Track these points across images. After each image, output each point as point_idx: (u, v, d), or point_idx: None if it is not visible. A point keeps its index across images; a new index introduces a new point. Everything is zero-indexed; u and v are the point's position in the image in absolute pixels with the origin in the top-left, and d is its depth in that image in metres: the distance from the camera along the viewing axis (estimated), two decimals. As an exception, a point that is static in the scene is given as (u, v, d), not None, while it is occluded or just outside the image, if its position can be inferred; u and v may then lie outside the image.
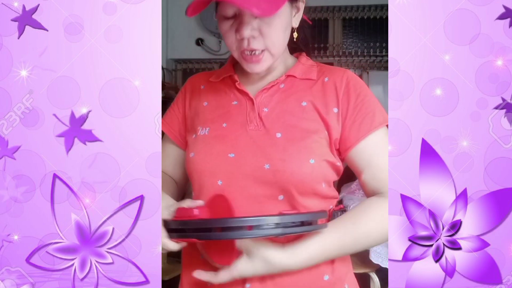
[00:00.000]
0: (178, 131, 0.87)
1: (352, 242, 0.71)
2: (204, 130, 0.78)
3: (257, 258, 0.66)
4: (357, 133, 0.74)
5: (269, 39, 0.71)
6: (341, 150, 0.77)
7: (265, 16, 0.68)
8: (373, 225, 0.71)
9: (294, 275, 0.71)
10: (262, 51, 0.72)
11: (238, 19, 0.71)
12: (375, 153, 0.74)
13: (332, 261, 0.76)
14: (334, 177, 0.78)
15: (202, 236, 0.62)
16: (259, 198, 0.71)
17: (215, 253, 0.69)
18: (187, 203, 0.68)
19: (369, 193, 0.77)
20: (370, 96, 0.77)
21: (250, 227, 0.59)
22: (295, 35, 0.79)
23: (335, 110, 0.75)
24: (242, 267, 0.66)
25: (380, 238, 0.72)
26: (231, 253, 0.66)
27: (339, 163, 0.77)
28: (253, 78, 0.82)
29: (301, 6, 0.77)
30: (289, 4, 0.73)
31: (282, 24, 0.72)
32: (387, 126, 0.74)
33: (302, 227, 0.62)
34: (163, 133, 0.86)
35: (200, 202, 0.68)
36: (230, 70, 0.84)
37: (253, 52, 0.72)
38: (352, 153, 0.75)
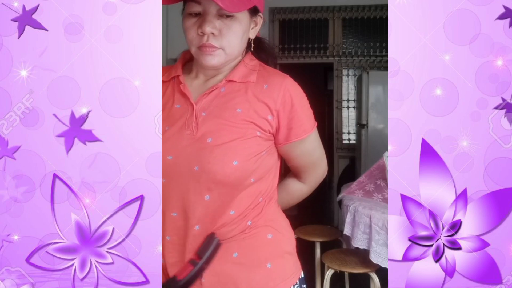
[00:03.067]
0: None
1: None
2: None
3: None
4: (287, 137, 0.84)
5: (226, 39, 0.78)
6: (275, 143, 0.86)
7: (228, 11, 0.75)
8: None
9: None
10: (218, 49, 0.79)
11: (202, 17, 0.78)
12: (302, 153, 0.88)
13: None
14: (270, 168, 0.85)
15: None
16: (191, 195, 0.79)
17: None
18: None
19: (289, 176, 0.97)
20: (302, 104, 0.85)
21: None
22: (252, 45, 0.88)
23: (270, 117, 0.81)
24: None
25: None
26: None
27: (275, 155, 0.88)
28: (198, 81, 0.86)
29: (259, 21, 0.86)
30: (248, 16, 0.81)
31: (240, 31, 0.80)
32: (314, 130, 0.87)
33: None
34: None
35: None
36: (179, 70, 0.87)
37: (212, 49, 0.79)
38: (281, 148, 0.86)
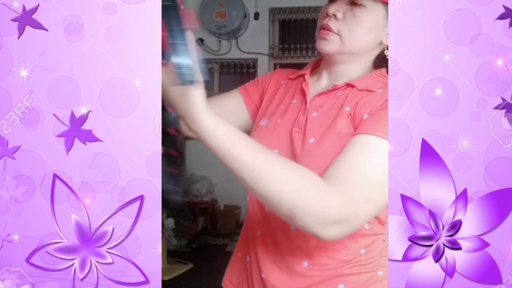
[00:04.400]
0: (252, 100, 0.96)
1: (256, 171, 0.60)
2: (264, 121, 0.86)
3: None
4: (360, 129, 0.70)
5: (347, 25, 0.74)
6: None
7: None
8: (286, 182, 0.60)
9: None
10: (334, 34, 0.75)
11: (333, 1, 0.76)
12: (358, 152, 0.67)
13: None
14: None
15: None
16: None
17: None
18: None
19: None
20: (386, 115, 0.73)
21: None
22: (387, 52, 0.78)
23: (365, 116, 0.73)
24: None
25: (279, 194, 0.60)
26: None
27: None
28: (321, 82, 0.84)
29: (381, 16, 0.77)
30: (385, 13, 0.75)
31: (368, 24, 0.74)
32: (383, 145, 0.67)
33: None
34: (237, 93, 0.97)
35: None
36: (307, 69, 0.88)
37: (327, 32, 0.75)
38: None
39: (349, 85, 0.78)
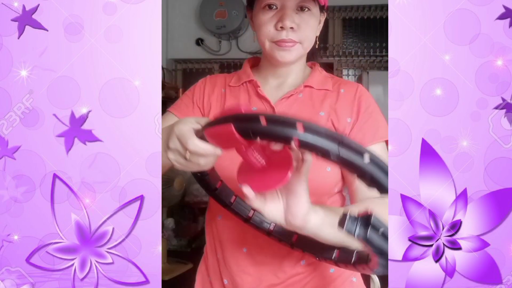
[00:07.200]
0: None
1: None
2: None
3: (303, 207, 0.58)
4: (360, 142, 0.73)
5: (304, 33, 0.78)
6: None
7: (321, 2, 0.77)
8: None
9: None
10: (296, 43, 0.78)
11: (280, 11, 0.76)
12: None
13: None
14: (341, 183, 0.82)
15: (240, 126, 0.48)
16: None
17: (254, 173, 0.57)
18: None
19: (358, 199, 0.77)
20: (377, 111, 0.82)
21: (302, 129, 0.46)
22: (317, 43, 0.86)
23: (349, 120, 0.80)
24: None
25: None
26: (270, 184, 0.54)
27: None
28: (271, 85, 0.85)
29: (323, 19, 0.85)
30: (319, 12, 0.81)
31: (315, 25, 0.80)
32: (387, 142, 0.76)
33: (359, 156, 0.47)
34: (170, 115, 0.88)
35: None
36: (250, 74, 0.86)
37: (291, 44, 0.78)
38: None
39: (307, 86, 0.82)
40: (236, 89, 0.87)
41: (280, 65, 0.82)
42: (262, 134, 0.47)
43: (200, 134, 0.55)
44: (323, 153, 0.45)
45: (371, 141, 0.78)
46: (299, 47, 0.78)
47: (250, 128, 0.47)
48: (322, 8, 0.82)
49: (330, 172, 0.77)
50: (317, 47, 0.86)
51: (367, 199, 0.75)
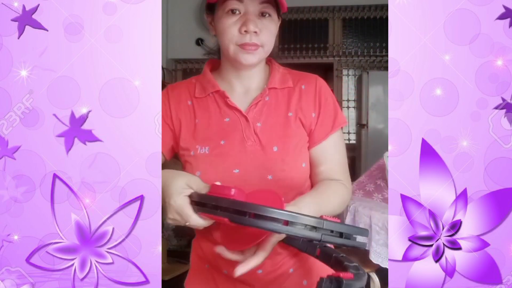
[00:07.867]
0: (164, 139, 0.88)
1: (331, 211, 0.78)
2: (204, 149, 0.84)
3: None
4: (322, 133, 0.85)
5: (265, 37, 0.81)
6: (312, 143, 0.88)
7: (284, 11, 0.82)
8: (335, 207, 0.81)
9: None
10: (259, 47, 0.81)
11: (244, 16, 0.80)
12: (335, 150, 0.87)
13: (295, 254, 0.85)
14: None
15: (234, 218, 0.59)
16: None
17: (232, 237, 0.69)
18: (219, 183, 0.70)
19: (321, 181, 0.87)
20: (333, 99, 0.89)
21: (286, 223, 0.58)
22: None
23: (313, 115, 0.86)
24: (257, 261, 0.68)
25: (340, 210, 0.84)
26: (248, 242, 0.65)
27: None
28: (237, 92, 0.87)
29: (279, 24, 0.88)
30: (277, 17, 0.84)
31: (275, 30, 0.84)
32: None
33: (340, 238, 0.60)
34: None
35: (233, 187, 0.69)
36: (216, 85, 0.87)
37: (254, 47, 0.82)
38: (315, 149, 0.86)
39: (271, 88, 0.87)
40: (204, 100, 0.87)
41: (243, 68, 0.85)
42: (252, 225, 0.58)
43: (193, 200, 0.68)
44: (308, 240, 0.59)
45: (332, 131, 0.85)
46: (261, 50, 0.82)
47: (241, 222, 0.59)
48: (278, 14, 0.86)
49: (305, 167, 0.84)
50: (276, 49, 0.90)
51: (322, 181, 0.84)
